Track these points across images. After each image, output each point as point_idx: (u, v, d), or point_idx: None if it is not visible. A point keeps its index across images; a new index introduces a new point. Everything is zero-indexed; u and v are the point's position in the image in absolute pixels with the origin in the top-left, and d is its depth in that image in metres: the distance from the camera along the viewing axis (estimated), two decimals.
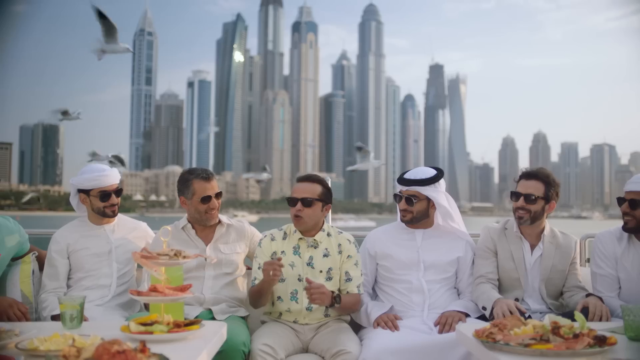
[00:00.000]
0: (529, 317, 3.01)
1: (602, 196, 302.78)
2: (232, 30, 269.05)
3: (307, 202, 3.23)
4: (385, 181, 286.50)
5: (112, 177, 3.58)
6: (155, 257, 2.21)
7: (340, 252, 3.30)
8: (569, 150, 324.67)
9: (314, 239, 3.29)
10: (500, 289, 3.41)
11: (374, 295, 3.56)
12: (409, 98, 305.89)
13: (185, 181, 3.47)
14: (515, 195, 3.38)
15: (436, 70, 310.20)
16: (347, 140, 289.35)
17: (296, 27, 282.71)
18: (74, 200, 3.65)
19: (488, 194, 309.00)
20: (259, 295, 3.21)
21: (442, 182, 3.46)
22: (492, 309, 3.11)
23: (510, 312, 2.98)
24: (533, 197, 3.31)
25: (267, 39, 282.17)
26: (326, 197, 3.32)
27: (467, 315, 3.22)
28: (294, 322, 3.27)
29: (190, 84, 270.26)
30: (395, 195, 3.52)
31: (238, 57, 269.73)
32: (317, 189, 3.28)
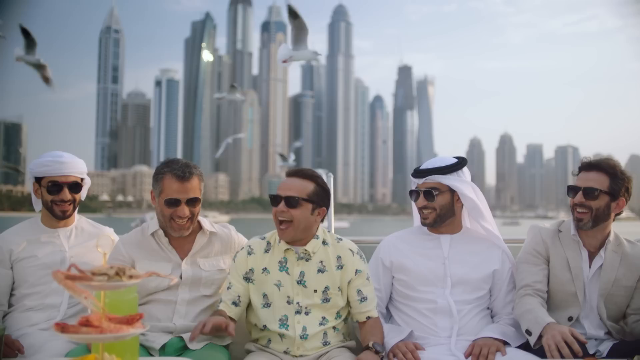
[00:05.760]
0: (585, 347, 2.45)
1: (565, 196, 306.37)
2: (200, 29, 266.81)
3: (292, 202, 2.59)
4: (354, 181, 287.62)
5: (69, 166, 2.94)
6: (88, 278, 1.57)
7: (340, 267, 2.68)
8: (534, 151, 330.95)
9: (305, 249, 2.65)
10: (551, 305, 2.82)
11: (388, 316, 2.97)
12: (378, 99, 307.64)
13: (157, 173, 2.81)
14: (572, 190, 2.82)
15: (405, 72, 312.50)
16: (316, 141, 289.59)
17: (265, 27, 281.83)
18: (33, 194, 3.06)
19: None
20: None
21: (466, 171, 2.89)
22: (540, 335, 2.52)
23: (566, 344, 2.38)
24: (596, 192, 2.74)
25: (236, 38, 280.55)
26: (319, 198, 2.65)
27: (505, 343, 2.63)
28: (285, 352, 2.63)
29: (158, 83, 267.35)
30: (411, 193, 2.94)
31: (207, 56, 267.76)
32: (307, 186, 2.63)
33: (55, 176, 2.91)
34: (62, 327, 1.58)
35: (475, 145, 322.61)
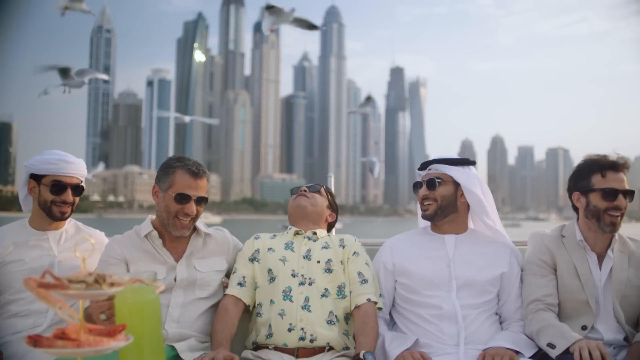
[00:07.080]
0: None
1: (556, 198, 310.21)
2: (192, 29, 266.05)
3: (314, 188, 2.96)
4: (346, 182, 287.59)
5: (75, 167, 2.86)
6: (64, 286, 1.36)
7: (342, 246, 2.78)
8: (525, 153, 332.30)
9: (314, 231, 2.82)
10: (562, 315, 2.66)
11: (392, 323, 2.83)
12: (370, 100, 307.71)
13: (167, 167, 2.70)
14: (610, 193, 2.61)
15: (397, 73, 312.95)
16: (308, 142, 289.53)
17: (258, 28, 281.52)
18: (22, 192, 2.91)
19: None
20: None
21: (473, 169, 2.82)
22: (566, 350, 2.36)
23: (602, 356, 2.26)
24: (632, 194, 2.63)
25: (229, 38, 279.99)
26: (335, 206, 3.04)
27: (516, 352, 2.47)
28: (289, 329, 2.57)
29: (150, 83, 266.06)
30: (414, 186, 2.89)
31: (199, 56, 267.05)
32: (329, 197, 3.04)
33: (60, 175, 2.80)
34: (35, 341, 1.34)
35: (466, 147, 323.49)
